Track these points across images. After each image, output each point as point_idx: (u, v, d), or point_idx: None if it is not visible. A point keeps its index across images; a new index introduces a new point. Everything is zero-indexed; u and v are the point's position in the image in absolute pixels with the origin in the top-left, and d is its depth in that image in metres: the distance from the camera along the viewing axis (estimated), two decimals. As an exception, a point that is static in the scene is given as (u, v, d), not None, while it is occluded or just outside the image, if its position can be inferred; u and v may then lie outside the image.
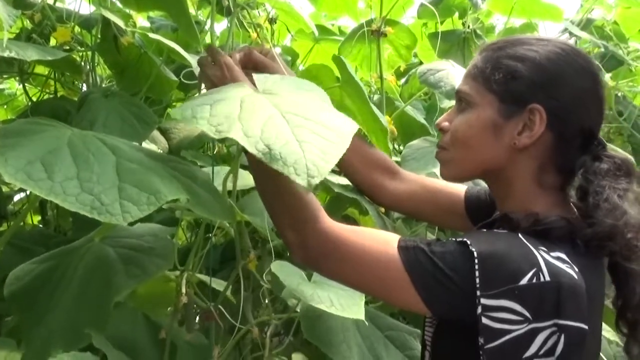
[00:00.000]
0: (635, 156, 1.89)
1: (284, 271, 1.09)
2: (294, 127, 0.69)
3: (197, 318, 1.40)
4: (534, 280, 0.72)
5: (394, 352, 1.18)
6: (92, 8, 1.32)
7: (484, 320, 0.72)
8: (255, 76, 0.87)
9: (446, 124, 0.92)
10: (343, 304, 1.06)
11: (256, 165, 0.87)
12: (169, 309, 1.31)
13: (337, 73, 1.21)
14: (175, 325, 1.18)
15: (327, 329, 1.12)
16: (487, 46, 0.91)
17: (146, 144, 1.37)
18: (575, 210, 0.85)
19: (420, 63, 1.79)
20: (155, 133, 1.40)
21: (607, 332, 1.29)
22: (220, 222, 1.21)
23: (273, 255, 1.16)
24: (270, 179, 0.85)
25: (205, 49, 0.96)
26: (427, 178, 1.14)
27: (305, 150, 0.66)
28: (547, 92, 0.83)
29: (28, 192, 1.44)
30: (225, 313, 1.23)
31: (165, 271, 1.06)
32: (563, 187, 0.86)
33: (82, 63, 1.33)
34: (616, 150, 1.35)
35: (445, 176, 0.95)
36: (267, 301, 1.38)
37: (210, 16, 1.10)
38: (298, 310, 1.20)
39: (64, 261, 1.04)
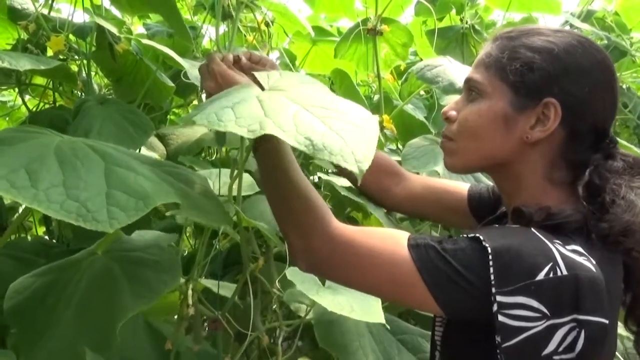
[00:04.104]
0: (642, 148, 1.86)
1: (299, 277, 1.07)
2: (323, 119, 0.69)
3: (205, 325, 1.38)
4: (551, 275, 0.70)
5: (407, 356, 1.17)
6: (87, 17, 1.32)
7: (501, 318, 0.70)
8: (257, 74, 0.86)
9: (453, 113, 0.89)
10: (363, 308, 1.04)
11: (264, 169, 0.86)
12: (175, 317, 1.29)
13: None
14: (180, 333, 1.16)
15: (341, 335, 1.10)
16: (501, 34, 0.87)
17: (145, 151, 1.36)
18: (586, 205, 0.82)
19: (421, 61, 1.78)
20: (153, 139, 1.40)
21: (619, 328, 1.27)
22: (224, 227, 1.19)
23: (288, 260, 1.14)
24: (277, 182, 0.84)
25: (206, 58, 0.93)
26: (430, 178, 1.13)
27: (345, 138, 0.66)
28: (563, 85, 0.80)
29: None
30: (232, 321, 1.21)
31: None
32: (573, 182, 0.83)
33: (79, 72, 1.32)
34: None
35: (450, 166, 0.92)
36: (275, 307, 1.36)
37: (216, 20, 1.08)
38: (303, 314, 1.19)
39: (64, 275, 1.00)
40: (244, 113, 0.70)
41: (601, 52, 0.84)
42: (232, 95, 0.77)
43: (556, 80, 0.80)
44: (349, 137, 0.67)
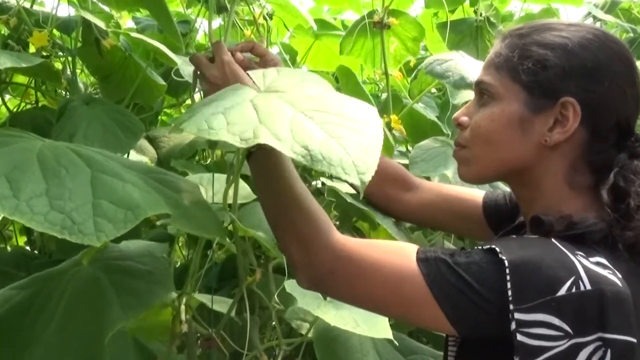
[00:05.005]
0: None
1: (299, 291, 1.02)
2: (322, 125, 0.66)
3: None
4: (573, 290, 0.66)
5: (418, 378, 1.14)
6: (72, 10, 1.25)
7: (520, 337, 0.66)
8: (251, 73, 0.82)
9: (465, 118, 0.85)
10: (369, 323, 1.01)
11: (259, 176, 0.84)
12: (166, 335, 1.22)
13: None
14: (172, 352, 1.10)
15: (344, 353, 1.07)
16: (510, 32, 0.84)
17: (134, 154, 1.31)
18: (610, 212, 0.77)
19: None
20: (143, 142, 1.37)
21: None
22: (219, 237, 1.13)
23: (287, 272, 1.08)
24: (273, 191, 0.82)
25: (211, 45, 0.90)
26: (443, 185, 1.11)
27: (345, 147, 0.64)
28: (580, 83, 0.77)
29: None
30: (227, 339, 1.15)
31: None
32: (595, 187, 0.79)
33: (63, 69, 1.27)
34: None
35: (464, 176, 0.88)
36: (274, 323, 1.30)
37: (209, 13, 1.02)
38: (305, 332, 1.13)
39: (47, 287, 0.96)
40: (236, 119, 0.67)
41: (619, 44, 0.81)
42: (224, 99, 0.73)
43: (572, 77, 0.77)
44: (350, 146, 0.64)
